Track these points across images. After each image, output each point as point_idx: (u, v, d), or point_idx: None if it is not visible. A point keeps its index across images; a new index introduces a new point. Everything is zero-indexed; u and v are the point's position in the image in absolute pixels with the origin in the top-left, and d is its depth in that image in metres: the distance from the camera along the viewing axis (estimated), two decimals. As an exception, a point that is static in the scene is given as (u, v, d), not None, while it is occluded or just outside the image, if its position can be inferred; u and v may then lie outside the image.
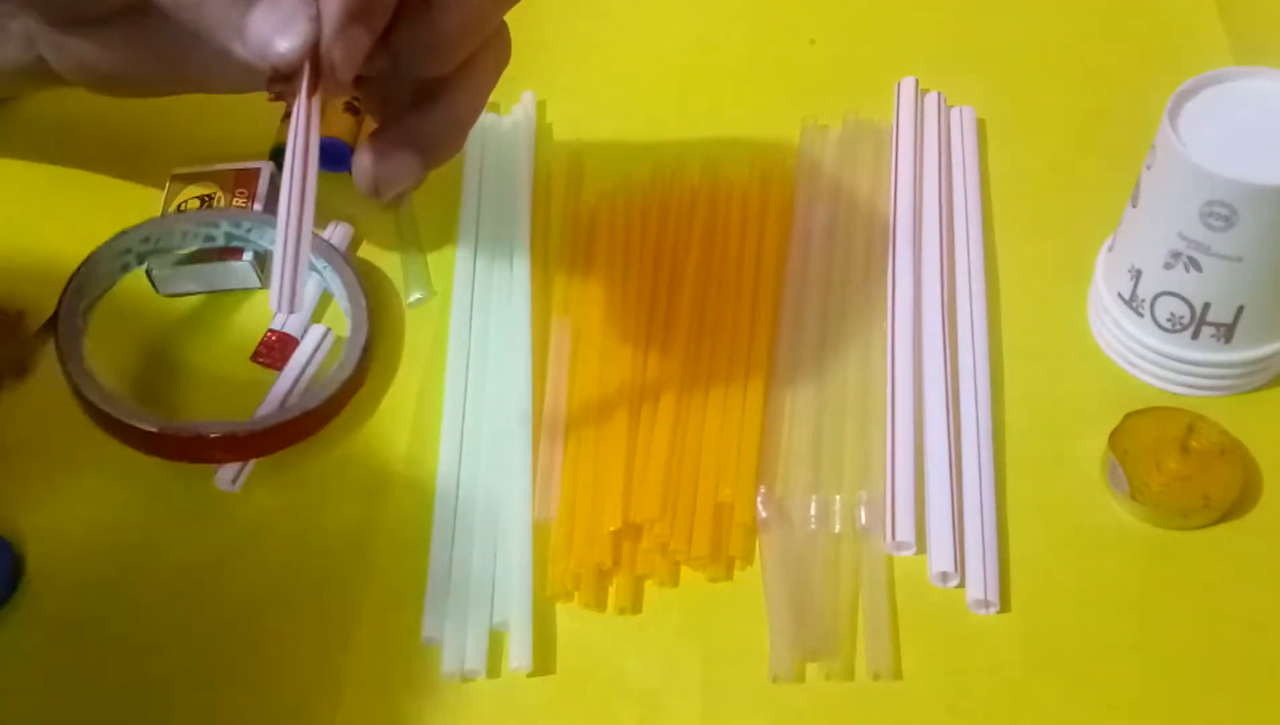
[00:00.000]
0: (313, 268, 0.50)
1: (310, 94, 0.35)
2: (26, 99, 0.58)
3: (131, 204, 0.54)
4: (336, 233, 0.53)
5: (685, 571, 0.44)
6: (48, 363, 0.46)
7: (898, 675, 0.41)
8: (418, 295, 0.52)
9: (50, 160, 0.58)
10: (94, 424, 0.45)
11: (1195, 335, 0.45)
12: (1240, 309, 0.44)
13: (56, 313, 0.47)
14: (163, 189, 0.54)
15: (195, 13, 0.36)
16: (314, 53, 0.34)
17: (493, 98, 0.58)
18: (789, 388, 0.47)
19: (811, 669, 0.41)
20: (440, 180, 0.56)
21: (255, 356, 0.50)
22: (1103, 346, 0.49)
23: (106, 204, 0.55)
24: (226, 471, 0.46)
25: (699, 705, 0.41)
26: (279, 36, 0.34)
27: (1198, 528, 0.43)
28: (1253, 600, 0.42)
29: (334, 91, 0.36)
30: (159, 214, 0.53)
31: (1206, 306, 0.44)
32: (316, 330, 0.50)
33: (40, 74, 0.48)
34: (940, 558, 0.42)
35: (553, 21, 0.62)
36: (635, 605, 0.43)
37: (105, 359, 0.48)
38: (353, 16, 0.34)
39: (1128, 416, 0.45)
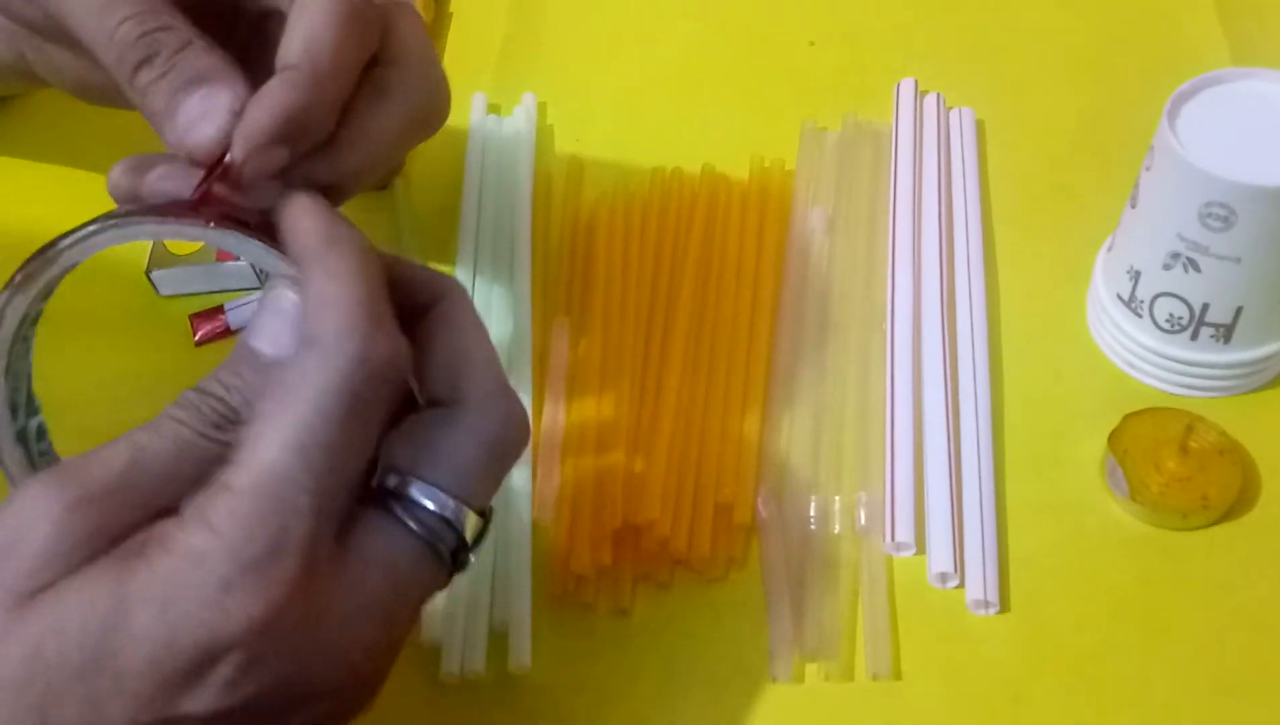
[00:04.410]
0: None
1: (208, 183, 0.34)
2: (24, 97, 0.58)
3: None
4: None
5: (685, 572, 0.44)
6: None
7: (897, 676, 0.41)
8: (418, 296, 0.52)
9: (47, 159, 0.57)
10: None
11: (1194, 336, 0.45)
12: (1239, 310, 0.44)
13: None
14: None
15: (140, 96, 0.36)
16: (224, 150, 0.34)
17: (494, 99, 0.59)
18: (789, 388, 0.47)
19: (811, 669, 0.41)
20: (440, 181, 0.56)
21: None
22: (1102, 347, 0.49)
23: (105, 203, 0.54)
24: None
25: (699, 705, 0.41)
26: (201, 123, 0.34)
27: (1197, 528, 0.43)
28: (1252, 600, 0.42)
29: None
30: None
31: (1205, 307, 0.44)
32: None
33: (24, 73, 0.48)
34: (940, 558, 0.43)
35: (553, 23, 0.62)
36: (635, 605, 0.43)
37: (101, 360, 0.48)
38: (277, 138, 0.34)
39: (1127, 417, 0.45)
